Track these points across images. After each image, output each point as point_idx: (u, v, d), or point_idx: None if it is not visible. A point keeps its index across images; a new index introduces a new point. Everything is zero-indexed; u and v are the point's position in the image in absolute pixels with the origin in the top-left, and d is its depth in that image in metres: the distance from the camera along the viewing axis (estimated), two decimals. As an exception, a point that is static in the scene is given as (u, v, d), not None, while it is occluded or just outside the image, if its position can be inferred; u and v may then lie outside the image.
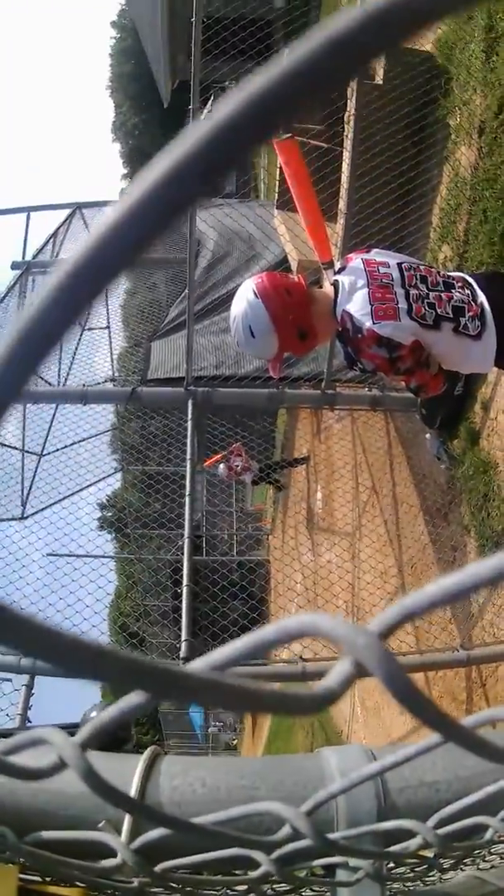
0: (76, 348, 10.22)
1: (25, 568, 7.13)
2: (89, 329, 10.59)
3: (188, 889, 0.85)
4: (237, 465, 13.75)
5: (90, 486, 8.86)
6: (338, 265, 3.70)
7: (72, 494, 8.57)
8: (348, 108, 6.64)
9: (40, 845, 0.73)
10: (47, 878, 0.88)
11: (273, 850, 0.70)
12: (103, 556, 9.12)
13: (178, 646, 5.23)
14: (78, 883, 0.85)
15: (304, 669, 4.87)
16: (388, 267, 3.58)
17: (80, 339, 10.40)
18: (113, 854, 0.70)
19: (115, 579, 11.35)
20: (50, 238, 11.55)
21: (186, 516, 6.29)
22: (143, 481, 10.06)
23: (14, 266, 10.35)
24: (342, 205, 6.35)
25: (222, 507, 17.06)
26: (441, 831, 0.71)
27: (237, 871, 0.81)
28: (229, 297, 3.79)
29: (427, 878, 0.96)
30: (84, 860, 0.72)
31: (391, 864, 0.89)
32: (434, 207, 7.46)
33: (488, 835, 0.77)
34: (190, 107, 5.54)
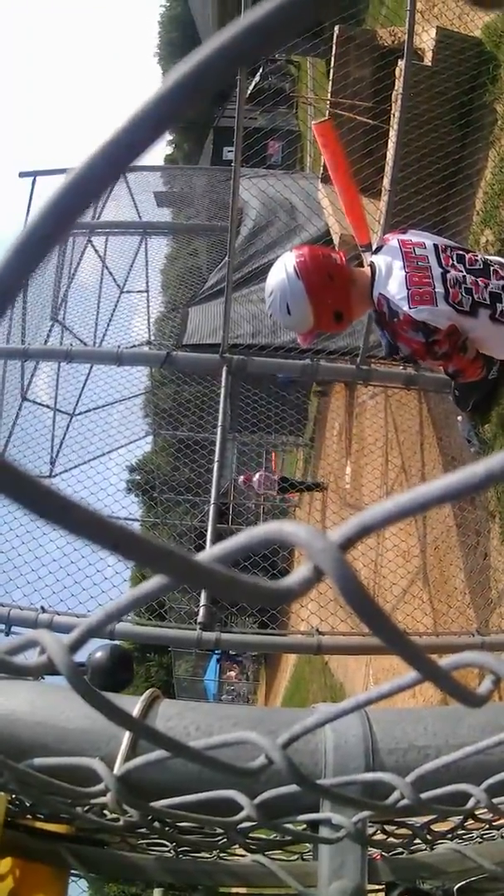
0: (113, 310, 10.24)
1: (49, 532, 7.16)
2: (127, 292, 10.61)
3: (170, 829, 0.88)
4: (255, 480, 14.01)
5: (120, 448, 8.88)
6: (374, 245, 3.68)
7: (101, 455, 8.60)
8: (396, 87, 6.61)
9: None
10: (38, 816, 0.91)
11: (255, 795, 0.72)
12: (128, 519, 9.15)
13: (196, 611, 5.26)
14: (66, 818, 0.88)
15: (319, 642, 4.90)
16: (425, 248, 3.55)
17: (117, 302, 10.42)
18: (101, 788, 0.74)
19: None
20: (92, 200, 11.52)
21: (213, 483, 6.32)
22: (173, 446, 10.07)
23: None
24: (386, 182, 6.32)
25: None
26: (425, 796, 0.73)
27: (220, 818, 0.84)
28: (269, 266, 3.79)
29: (412, 848, 0.98)
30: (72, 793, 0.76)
31: (375, 830, 0.91)
32: (478, 191, 7.39)
33: (470, 803, 0.79)
34: (237, 77, 5.47)
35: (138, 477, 14.74)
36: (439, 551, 7.99)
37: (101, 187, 0.28)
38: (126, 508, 9.17)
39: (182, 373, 8.47)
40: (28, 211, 9.47)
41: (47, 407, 9.10)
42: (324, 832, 0.83)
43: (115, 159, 0.27)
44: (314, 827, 0.84)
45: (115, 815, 0.80)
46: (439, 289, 3.37)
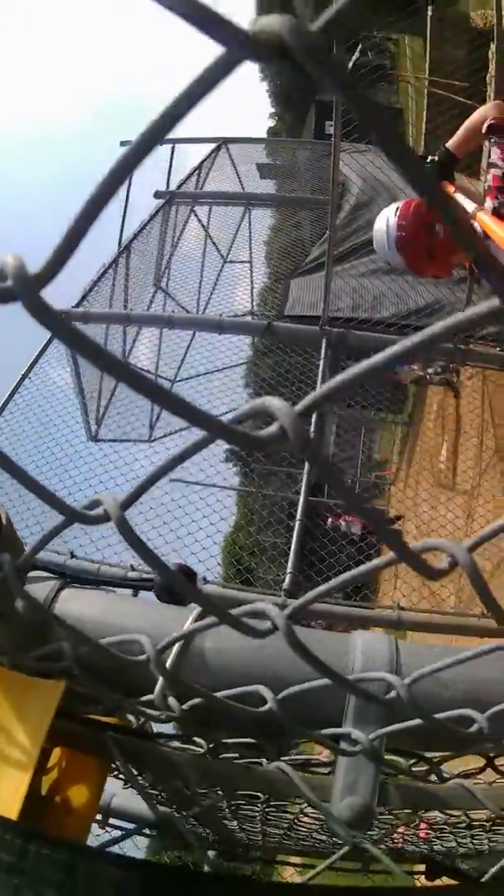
0: (216, 280, 10.31)
1: (147, 493, 7.27)
2: (230, 262, 10.66)
3: (204, 724, 0.96)
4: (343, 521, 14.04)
5: (220, 416, 8.94)
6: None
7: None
8: (489, 70, 6.56)
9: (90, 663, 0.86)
10: (88, 706, 1.00)
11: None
12: (225, 487, 9.22)
13: (282, 578, 5.32)
14: (115, 709, 0.97)
15: (399, 617, 4.93)
16: None
17: (220, 271, 10.48)
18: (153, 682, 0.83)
19: (235, 512, 11.44)
20: (195, 170, 11.53)
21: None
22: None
23: (157, 195, 10.41)
24: (484, 163, 6.30)
25: (349, 452, 17.02)
26: (428, 710, 0.80)
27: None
28: (370, 242, 3.84)
29: (427, 783, 1.04)
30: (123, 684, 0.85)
31: (392, 757, 0.97)
32: None
33: (473, 728, 0.84)
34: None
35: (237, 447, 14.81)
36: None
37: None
38: (225, 478, 9.23)
39: (282, 343, 8.50)
40: (130, 179, 9.57)
41: (149, 372, 9.21)
42: (343, 745, 0.90)
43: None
44: (336, 742, 0.91)
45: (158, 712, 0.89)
46: None
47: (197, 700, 0.85)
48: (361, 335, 7.25)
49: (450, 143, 3.55)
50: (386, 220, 3.65)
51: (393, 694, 0.78)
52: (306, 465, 6.26)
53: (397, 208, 3.67)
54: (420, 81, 10.26)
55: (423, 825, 1.69)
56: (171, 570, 0.65)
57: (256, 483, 11.85)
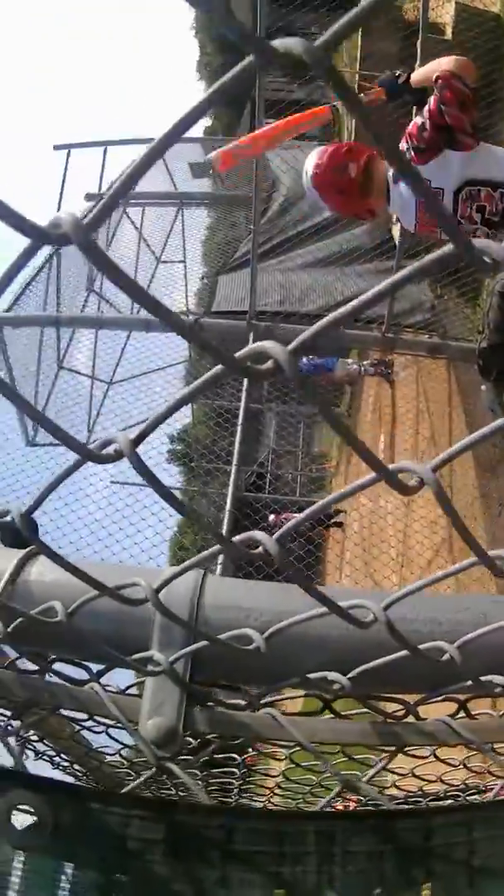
0: (150, 280, 10.28)
1: (89, 497, 7.26)
2: (164, 262, 10.64)
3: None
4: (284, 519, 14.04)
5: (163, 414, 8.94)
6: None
7: (138, 424, 8.65)
8: (417, 61, 6.66)
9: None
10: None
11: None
12: (173, 488, 9.20)
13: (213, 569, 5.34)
14: None
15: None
16: (441, 198, 3.68)
17: (154, 272, 10.46)
18: None
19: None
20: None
21: (236, 447, 6.42)
22: (212, 417, 10.12)
23: (88, 197, 10.41)
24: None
25: (289, 448, 17.01)
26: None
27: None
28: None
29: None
30: None
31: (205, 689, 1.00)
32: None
33: (252, 646, 0.88)
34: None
35: (179, 447, 14.80)
36: (464, 521, 8.02)
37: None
38: (165, 480, 9.22)
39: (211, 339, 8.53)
40: (63, 181, 9.58)
41: (85, 375, 9.19)
42: (150, 667, 0.94)
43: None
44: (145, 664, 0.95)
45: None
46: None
47: (18, 620, 0.91)
48: (288, 328, 7.30)
49: (413, 75, 3.76)
50: (307, 162, 3.84)
51: (140, 594, 0.82)
52: (234, 457, 6.32)
53: (320, 151, 3.84)
54: (351, 75, 10.36)
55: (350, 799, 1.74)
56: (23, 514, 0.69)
57: (198, 483, 11.87)
